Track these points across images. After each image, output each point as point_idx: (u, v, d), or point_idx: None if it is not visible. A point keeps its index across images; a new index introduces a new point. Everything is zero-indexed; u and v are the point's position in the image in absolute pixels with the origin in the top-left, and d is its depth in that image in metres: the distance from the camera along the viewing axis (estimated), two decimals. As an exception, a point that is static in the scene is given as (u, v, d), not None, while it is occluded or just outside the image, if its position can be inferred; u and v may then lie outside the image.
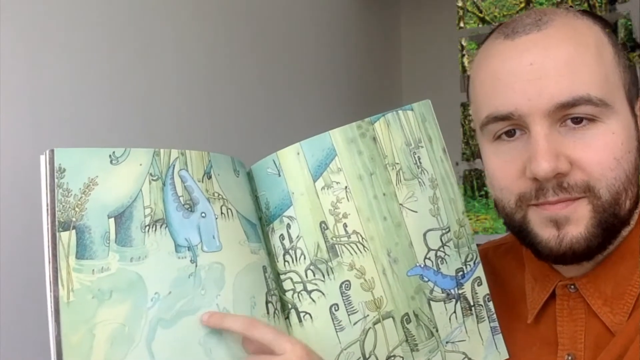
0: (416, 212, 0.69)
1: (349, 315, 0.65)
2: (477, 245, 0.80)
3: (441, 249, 0.70)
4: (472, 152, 3.38)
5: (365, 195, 0.67)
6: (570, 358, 0.70)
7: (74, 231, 0.58)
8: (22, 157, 0.80)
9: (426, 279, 0.69)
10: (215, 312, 0.62)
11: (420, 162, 0.71)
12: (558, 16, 0.65)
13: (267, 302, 0.66)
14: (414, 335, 0.67)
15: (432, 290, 0.69)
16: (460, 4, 3.01)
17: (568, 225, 0.64)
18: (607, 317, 0.68)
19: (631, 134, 0.65)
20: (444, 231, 0.70)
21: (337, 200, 0.66)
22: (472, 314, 0.71)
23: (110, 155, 0.61)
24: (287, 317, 0.67)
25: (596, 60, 0.63)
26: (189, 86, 1.19)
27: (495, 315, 0.73)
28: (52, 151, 0.58)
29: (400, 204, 0.68)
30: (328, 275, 0.65)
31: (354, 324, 0.65)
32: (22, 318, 0.79)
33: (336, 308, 0.65)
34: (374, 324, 0.66)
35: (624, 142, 0.63)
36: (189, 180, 0.64)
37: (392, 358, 0.66)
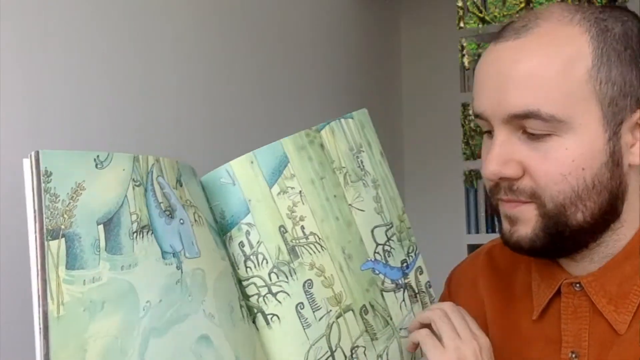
0: (363, 211, 0.74)
1: (314, 312, 0.69)
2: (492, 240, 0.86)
3: (387, 243, 0.75)
4: (472, 152, 3.39)
5: (318, 198, 0.71)
6: (573, 356, 0.70)
7: (63, 239, 0.54)
8: (21, 158, 0.80)
9: (377, 272, 0.74)
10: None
11: (363, 165, 0.76)
12: (547, 22, 0.66)
13: (240, 307, 0.67)
14: (372, 325, 0.72)
15: (383, 282, 0.74)
16: (460, 4, 3.03)
17: (518, 224, 0.68)
18: (611, 315, 0.68)
19: (595, 150, 0.65)
20: (388, 227, 0.76)
21: (293, 204, 0.69)
22: (417, 301, 0.77)
23: (95, 159, 0.57)
24: (253, 322, 0.69)
25: (560, 75, 0.63)
26: (189, 85, 1.19)
27: (437, 301, 0.79)
28: (37, 153, 0.54)
29: (350, 205, 0.73)
30: (291, 276, 0.68)
31: (319, 319, 0.69)
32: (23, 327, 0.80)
33: (302, 306, 0.68)
34: (337, 317, 0.70)
35: (577, 158, 0.64)
36: (166, 187, 0.63)
37: (356, 348, 0.70)
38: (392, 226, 0.77)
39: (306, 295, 0.69)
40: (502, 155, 0.66)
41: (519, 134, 0.66)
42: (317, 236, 0.70)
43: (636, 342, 0.66)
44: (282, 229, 0.69)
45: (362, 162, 0.76)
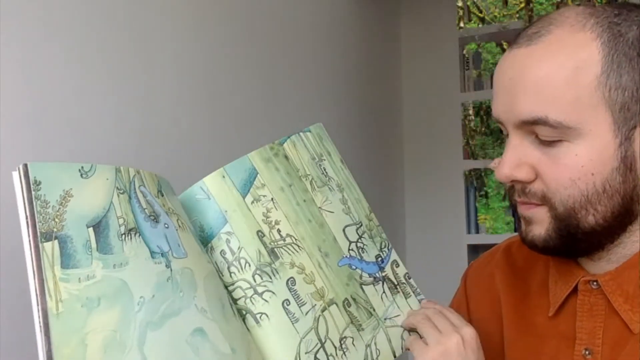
0: (333, 212, 0.80)
1: (299, 307, 0.74)
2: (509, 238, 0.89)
3: (359, 240, 0.82)
4: (472, 152, 3.38)
5: (289, 203, 0.77)
6: (587, 353, 0.71)
7: (56, 241, 0.58)
8: (22, 158, 0.80)
9: (354, 267, 0.80)
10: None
11: (326, 172, 0.82)
12: (559, 28, 0.67)
13: (230, 305, 0.71)
14: (356, 317, 0.78)
15: (361, 276, 0.80)
16: (460, 4, 3.02)
17: (533, 224, 0.71)
18: (627, 314, 0.69)
19: (605, 156, 0.66)
20: (357, 225, 0.83)
21: (267, 210, 0.75)
22: (398, 292, 0.83)
23: (79, 170, 0.62)
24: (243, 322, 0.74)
25: (568, 82, 0.65)
26: (189, 86, 1.19)
27: (419, 290, 0.85)
28: (25, 165, 0.58)
29: (319, 207, 0.79)
30: (274, 275, 0.74)
31: (306, 314, 0.74)
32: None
33: (287, 303, 0.74)
34: (322, 311, 0.75)
35: (586, 164, 0.66)
36: (148, 196, 0.67)
37: (344, 339, 0.76)
38: (361, 225, 0.83)
39: (290, 292, 0.74)
40: (514, 159, 0.69)
41: (531, 138, 0.68)
42: (294, 237, 0.76)
43: None
44: (259, 233, 0.74)
45: (325, 169, 0.82)
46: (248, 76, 1.41)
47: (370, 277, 0.81)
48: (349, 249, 0.80)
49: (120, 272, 0.61)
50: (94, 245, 0.60)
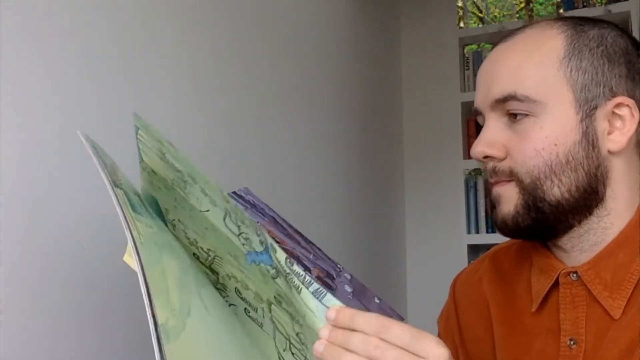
0: (208, 210, 0.72)
1: (255, 311, 0.73)
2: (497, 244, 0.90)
3: (240, 230, 0.71)
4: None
5: (186, 216, 0.71)
6: (572, 343, 0.74)
7: (121, 190, 0.62)
8: (23, 158, 0.81)
9: (258, 262, 0.71)
10: (343, 309, 0.58)
11: (174, 166, 0.74)
12: (532, 29, 0.77)
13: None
14: (291, 312, 0.70)
15: (267, 270, 0.71)
16: (460, 4, 3.03)
17: (502, 204, 0.76)
18: (607, 302, 0.72)
19: (567, 129, 0.73)
20: (226, 214, 0.72)
21: (184, 232, 0.73)
22: (289, 286, 0.72)
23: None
24: None
25: (535, 66, 0.74)
26: (190, 87, 1.19)
27: (309, 279, 0.68)
28: (84, 134, 0.63)
29: (200, 210, 0.71)
30: (226, 289, 0.74)
31: (263, 317, 0.73)
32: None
33: (247, 311, 0.73)
34: (270, 312, 0.72)
35: (550, 135, 0.73)
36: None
37: (299, 335, 0.72)
38: (227, 212, 0.70)
39: (243, 300, 0.73)
40: (488, 138, 0.76)
41: (504, 120, 0.76)
42: (211, 250, 0.72)
43: (631, 326, 0.70)
44: (194, 255, 0.73)
45: (172, 164, 0.68)
46: (247, 76, 1.41)
47: (272, 268, 0.68)
48: (242, 244, 0.68)
49: (168, 234, 0.67)
50: (142, 206, 0.65)
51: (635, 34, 2.38)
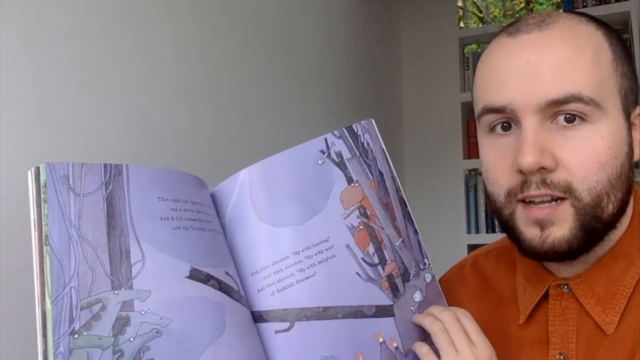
0: None
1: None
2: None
3: None
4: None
5: None
6: (562, 357, 0.70)
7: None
8: (24, 161, 0.80)
9: None
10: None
11: None
12: (562, 19, 0.67)
13: None
14: None
15: None
16: (460, 4, 3.02)
17: (552, 226, 0.65)
18: (599, 316, 0.68)
19: (620, 139, 0.66)
20: None
21: None
22: None
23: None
24: None
25: (592, 63, 0.64)
26: (190, 87, 1.19)
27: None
28: (37, 168, 0.59)
29: None
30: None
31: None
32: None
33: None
34: None
35: (611, 146, 0.64)
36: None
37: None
38: None
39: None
40: (538, 144, 0.63)
41: (548, 124, 0.65)
42: None
43: (624, 343, 0.66)
44: None
45: None
46: (247, 76, 1.40)
47: None
48: None
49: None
50: None
51: (635, 34, 2.38)
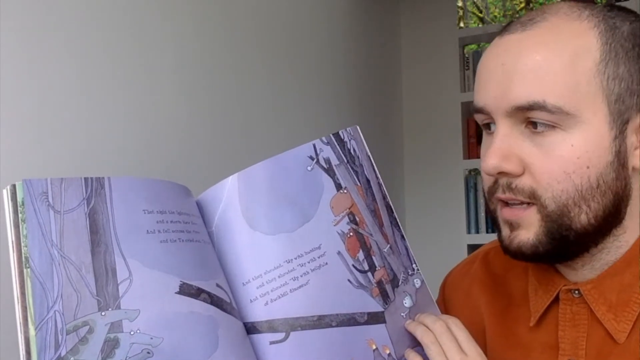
0: None
1: None
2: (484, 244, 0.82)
3: None
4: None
5: None
6: None
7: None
8: (24, 162, 0.80)
9: None
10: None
11: None
12: (555, 16, 0.65)
13: None
14: None
15: None
16: (460, 4, 3.02)
17: (519, 228, 0.66)
18: (610, 324, 0.67)
19: (600, 148, 0.62)
20: None
21: None
22: None
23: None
24: None
25: (566, 68, 0.62)
26: (190, 87, 1.19)
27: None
28: (13, 186, 0.55)
29: None
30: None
31: None
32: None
33: None
34: None
35: (582, 156, 0.62)
36: None
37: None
38: None
39: None
40: (503, 149, 0.64)
41: (521, 128, 0.64)
42: None
43: (636, 352, 0.65)
44: None
45: None
46: (246, 77, 1.40)
47: None
48: None
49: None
50: None
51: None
